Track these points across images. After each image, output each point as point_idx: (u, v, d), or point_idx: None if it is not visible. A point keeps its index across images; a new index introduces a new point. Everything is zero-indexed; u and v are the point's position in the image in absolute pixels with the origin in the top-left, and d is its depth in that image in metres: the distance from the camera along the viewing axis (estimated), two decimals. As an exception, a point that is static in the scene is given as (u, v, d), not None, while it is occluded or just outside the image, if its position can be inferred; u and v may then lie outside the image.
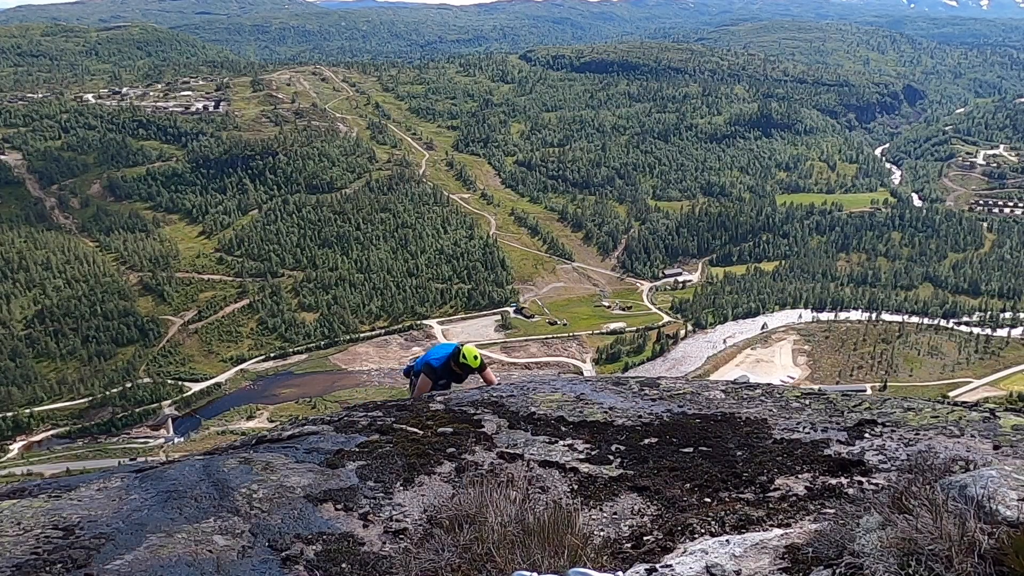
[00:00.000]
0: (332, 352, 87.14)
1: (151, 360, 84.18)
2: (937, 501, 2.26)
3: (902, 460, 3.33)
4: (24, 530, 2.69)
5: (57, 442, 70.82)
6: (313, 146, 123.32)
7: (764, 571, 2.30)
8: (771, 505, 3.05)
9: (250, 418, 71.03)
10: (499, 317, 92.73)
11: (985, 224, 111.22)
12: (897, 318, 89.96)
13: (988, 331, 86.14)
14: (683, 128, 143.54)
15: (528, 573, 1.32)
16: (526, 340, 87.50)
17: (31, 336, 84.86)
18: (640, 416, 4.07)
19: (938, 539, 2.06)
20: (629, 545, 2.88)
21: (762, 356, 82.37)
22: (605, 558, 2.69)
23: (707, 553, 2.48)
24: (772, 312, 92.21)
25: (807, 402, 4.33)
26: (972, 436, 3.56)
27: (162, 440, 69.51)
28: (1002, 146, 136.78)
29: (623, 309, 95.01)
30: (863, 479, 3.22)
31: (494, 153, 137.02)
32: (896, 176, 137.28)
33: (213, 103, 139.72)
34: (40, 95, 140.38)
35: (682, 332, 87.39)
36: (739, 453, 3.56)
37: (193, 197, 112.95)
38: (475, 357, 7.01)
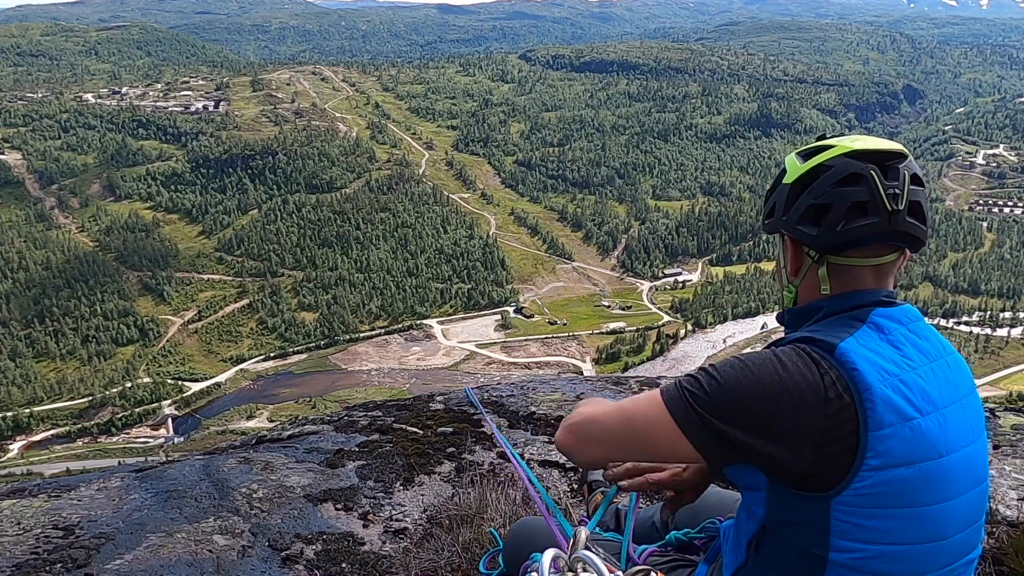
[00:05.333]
0: (332, 352, 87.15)
1: (151, 360, 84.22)
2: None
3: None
4: (24, 530, 2.69)
5: (57, 442, 70.82)
6: (313, 146, 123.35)
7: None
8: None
9: (250, 418, 71.02)
10: (499, 317, 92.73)
11: (985, 224, 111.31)
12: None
13: (988, 331, 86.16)
14: (683, 128, 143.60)
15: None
16: (526, 340, 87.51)
17: (31, 336, 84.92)
18: (640, 416, 4.06)
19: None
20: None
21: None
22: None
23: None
24: (772, 312, 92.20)
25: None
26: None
27: (162, 440, 69.51)
28: (1002, 146, 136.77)
29: (623, 309, 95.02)
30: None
31: (494, 153, 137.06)
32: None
33: (213, 103, 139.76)
34: (40, 95, 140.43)
35: (682, 332, 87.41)
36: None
37: (193, 197, 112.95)
38: None
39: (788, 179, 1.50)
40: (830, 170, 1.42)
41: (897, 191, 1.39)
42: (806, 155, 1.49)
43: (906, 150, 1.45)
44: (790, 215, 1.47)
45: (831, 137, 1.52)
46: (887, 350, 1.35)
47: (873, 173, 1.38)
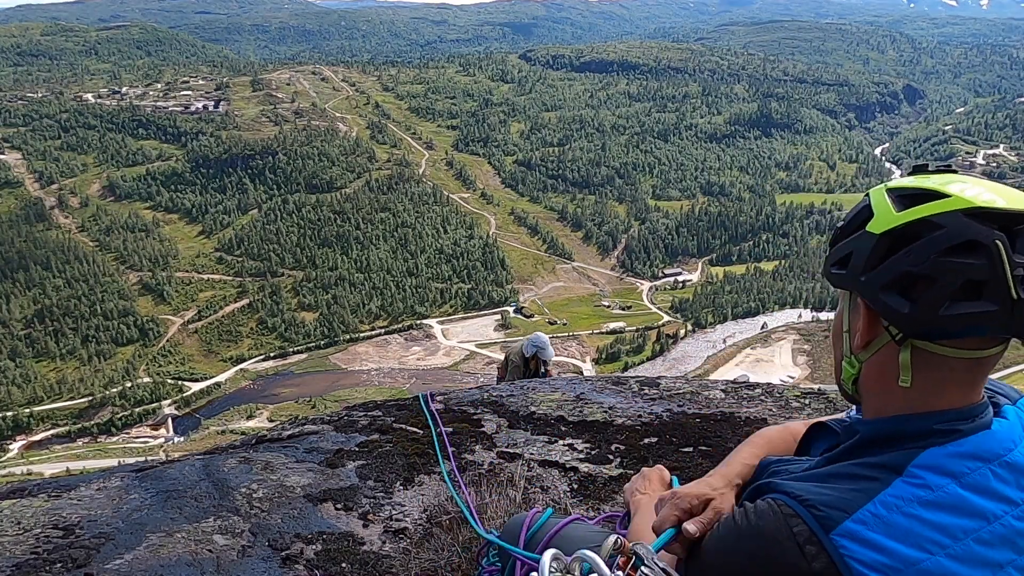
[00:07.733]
0: (332, 352, 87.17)
1: (151, 360, 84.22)
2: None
3: (902, 459, 3.31)
4: (24, 530, 2.69)
5: (57, 442, 70.82)
6: (313, 146, 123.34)
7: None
8: (771, 504, 3.04)
9: (250, 418, 71.04)
10: (499, 317, 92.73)
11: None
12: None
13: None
14: (683, 128, 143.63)
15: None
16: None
17: (31, 336, 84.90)
18: (640, 416, 4.07)
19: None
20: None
21: (762, 356, 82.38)
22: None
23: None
24: (772, 312, 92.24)
25: (807, 401, 4.33)
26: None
27: (162, 440, 69.53)
28: (1002, 146, 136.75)
29: (623, 309, 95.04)
30: (863, 478, 3.21)
31: (494, 153, 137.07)
32: (896, 176, 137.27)
33: (213, 103, 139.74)
34: (40, 95, 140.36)
35: (682, 332, 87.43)
36: (739, 453, 3.55)
37: (193, 197, 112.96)
38: None
39: (876, 227, 1.04)
40: (939, 230, 0.98)
41: None
42: (906, 198, 1.04)
43: None
44: (873, 277, 1.03)
45: (938, 169, 1.10)
46: (916, 525, 0.94)
47: (999, 244, 0.95)
